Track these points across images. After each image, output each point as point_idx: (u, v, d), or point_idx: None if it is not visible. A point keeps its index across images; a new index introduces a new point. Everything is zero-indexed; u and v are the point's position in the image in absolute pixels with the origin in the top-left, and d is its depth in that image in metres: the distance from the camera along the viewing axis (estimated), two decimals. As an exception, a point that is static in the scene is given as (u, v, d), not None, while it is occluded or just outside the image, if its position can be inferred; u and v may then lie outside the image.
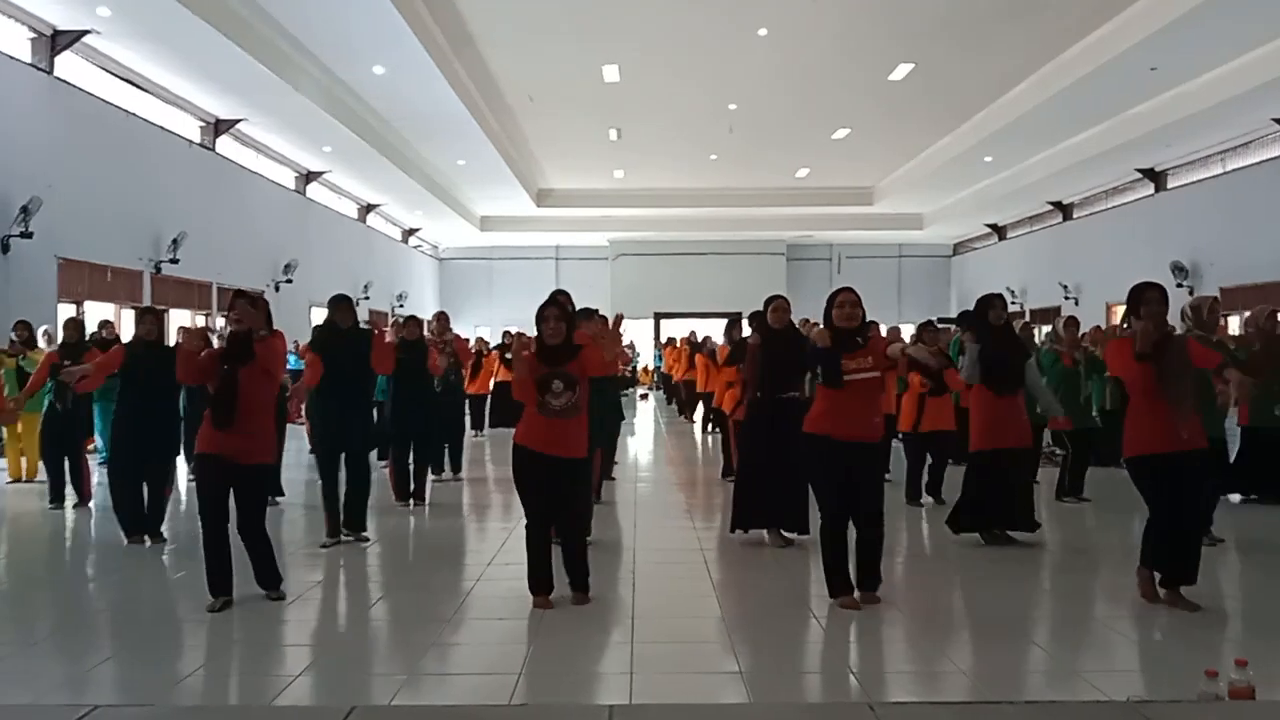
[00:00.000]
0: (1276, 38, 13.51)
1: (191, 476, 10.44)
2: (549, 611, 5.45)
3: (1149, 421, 5.34)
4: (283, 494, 9.28)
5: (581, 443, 5.69)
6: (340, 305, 7.53)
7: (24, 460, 10.78)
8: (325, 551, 7.13)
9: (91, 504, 9.16)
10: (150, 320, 7.58)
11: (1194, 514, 5.45)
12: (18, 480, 10.64)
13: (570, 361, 5.58)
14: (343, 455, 7.44)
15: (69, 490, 9.29)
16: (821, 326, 5.81)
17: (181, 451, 10.64)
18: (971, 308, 7.54)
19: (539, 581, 5.63)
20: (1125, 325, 5.66)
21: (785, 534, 7.21)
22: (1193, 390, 5.44)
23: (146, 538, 7.42)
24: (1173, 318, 5.63)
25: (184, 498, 9.66)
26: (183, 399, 10.70)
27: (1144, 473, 5.44)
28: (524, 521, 5.70)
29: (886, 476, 9.89)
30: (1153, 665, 4.73)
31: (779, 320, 7.13)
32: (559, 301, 5.73)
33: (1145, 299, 5.40)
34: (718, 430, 16.85)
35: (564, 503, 5.71)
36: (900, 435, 9.42)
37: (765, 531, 7.31)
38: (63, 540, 8.14)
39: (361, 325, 8.00)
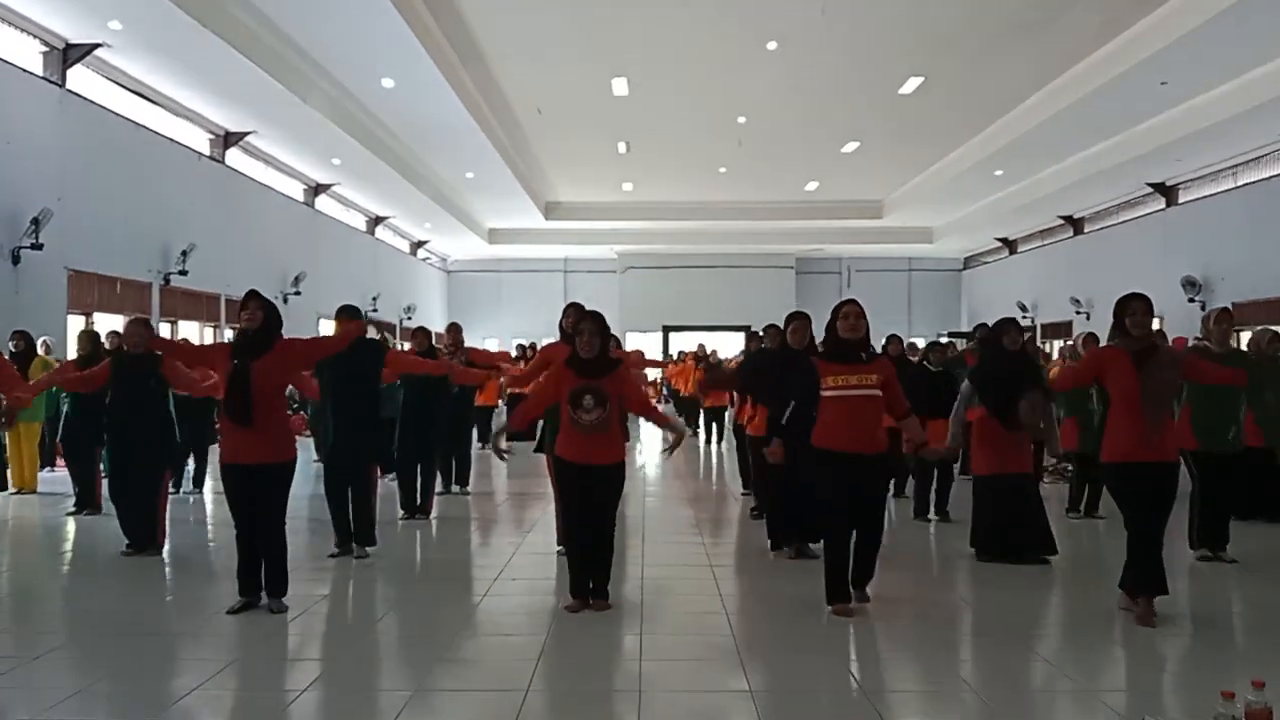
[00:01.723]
0: (1287, 52, 13.47)
1: (177, 488, 10.53)
2: (556, 628, 5.41)
3: (1125, 429, 5.46)
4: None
5: (616, 450, 5.79)
6: (341, 317, 7.50)
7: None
8: (331, 565, 7.10)
9: (103, 512, 9.20)
10: (135, 331, 7.57)
11: (1161, 523, 5.50)
12: (20, 490, 10.64)
13: (604, 377, 5.62)
14: (350, 468, 7.41)
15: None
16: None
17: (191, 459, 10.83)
18: (984, 321, 7.51)
19: (578, 585, 5.78)
20: (1113, 338, 5.73)
21: (812, 546, 7.17)
22: (1170, 402, 5.60)
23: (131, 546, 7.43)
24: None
25: (206, 507, 9.66)
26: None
27: (1119, 480, 5.57)
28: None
29: (905, 494, 9.92)
30: (1166, 685, 4.67)
31: (798, 341, 7.09)
32: (596, 316, 5.79)
33: (1131, 309, 5.54)
34: (706, 441, 16.90)
35: (599, 507, 5.78)
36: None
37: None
38: (66, 550, 8.11)
39: (370, 337, 7.98)
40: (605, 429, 5.64)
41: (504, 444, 6.15)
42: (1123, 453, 5.47)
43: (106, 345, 10.50)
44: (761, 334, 8.66)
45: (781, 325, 8.48)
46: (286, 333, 6.18)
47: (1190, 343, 8.79)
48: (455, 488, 10.70)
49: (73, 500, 9.42)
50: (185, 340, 9.53)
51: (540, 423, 8.39)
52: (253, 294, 5.85)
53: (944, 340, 11.14)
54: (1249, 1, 11.48)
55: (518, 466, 13.84)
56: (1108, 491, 5.77)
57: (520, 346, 19.58)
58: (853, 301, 5.83)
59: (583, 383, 5.60)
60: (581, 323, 5.72)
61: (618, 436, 5.81)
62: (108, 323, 14.10)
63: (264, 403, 5.64)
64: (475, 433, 14.70)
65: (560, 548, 7.09)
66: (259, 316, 5.75)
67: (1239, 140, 17.27)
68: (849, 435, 5.59)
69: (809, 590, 6.02)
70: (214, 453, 11.64)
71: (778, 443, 6.42)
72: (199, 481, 10.70)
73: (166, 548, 7.60)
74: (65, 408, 9.77)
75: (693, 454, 16.12)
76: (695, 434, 18.59)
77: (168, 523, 7.72)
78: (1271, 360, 7.99)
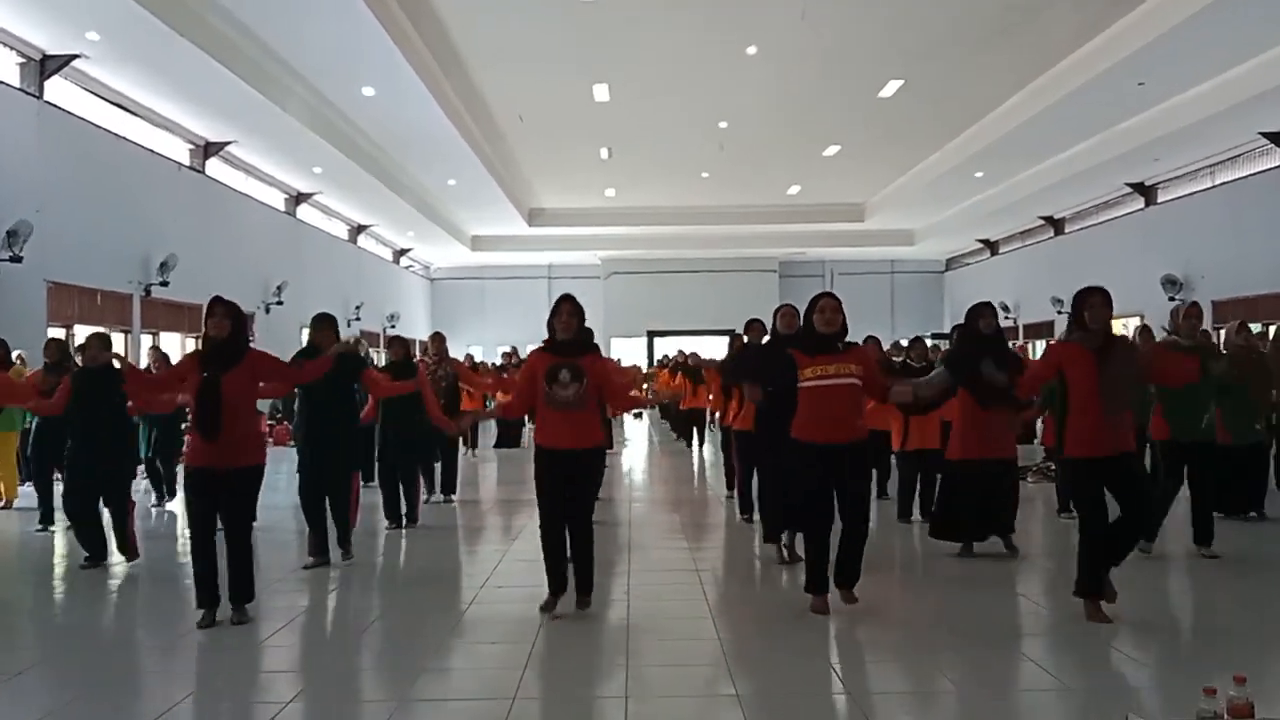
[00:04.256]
0: (1262, 52, 13.55)
1: (150, 499, 10.46)
2: (543, 635, 5.40)
3: (1084, 424, 5.48)
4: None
5: (595, 433, 5.79)
6: (321, 326, 7.46)
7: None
8: (314, 576, 7.06)
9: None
10: (95, 346, 7.53)
11: (1143, 512, 5.55)
12: None
13: (580, 356, 5.67)
14: (326, 478, 7.41)
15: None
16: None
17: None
18: (963, 321, 7.51)
19: (555, 580, 5.79)
20: (1073, 332, 5.74)
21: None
22: (1130, 397, 5.62)
23: (119, 558, 7.39)
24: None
25: (178, 518, 9.61)
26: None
27: (1079, 474, 5.60)
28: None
29: (888, 494, 9.94)
30: (1149, 682, 4.69)
31: (789, 326, 7.08)
32: (572, 297, 5.84)
33: (1089, 304, 5.55)
34: (688, 444, 16.93)
35: (576, 494, 5.79)
36: (894, 452, 9.39)
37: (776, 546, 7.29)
38: (36, 565, 8.02)
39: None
40: (582, 407, 5.65)
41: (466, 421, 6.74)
42: (1082, 448, 5.50)
43: (78, 360, 10.44)
44: (744, 333, 8.67)
45: (762, 321, 8.51)
46: (270, 342, 6.16)
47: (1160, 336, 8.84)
48: (441, 496, 10.68)
49: (38, 516, 9.32)
50: (154, 368, 9.49)
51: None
52: (218, 300, 5.79)
53: (929, 341, 11.20)
54: (1223, 3, 11.55)
55: (505, 474, 13.84)
56: (1072, 488, 5.81)
57: (506, 354, 19.57)
58: (829, 294, 5.83)
59: (558, 360, 5.65)
60: (560, 304, 5.77)
61: (596, 419, 5.80)
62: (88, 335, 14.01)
63: (233, 414, 5.60)
64: (461, 440, 14.67)
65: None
66: (226, 326, 5.70)
67: (1216, 140, 17.38)
68: (829, 425, 5.59)
69: (795, 595, 6.02)
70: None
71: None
72: (171, 491, 10.63)
73: (139, 560, 7.52)
74: (34, 422, 9.68)
75: (677, 458, 16.13)
76: (680, 439, 18.63)
77: (138, 535, 7.67)
78: (1247, 350, 8.07)
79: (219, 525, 5.72)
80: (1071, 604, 5.78)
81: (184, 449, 11.84)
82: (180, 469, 10.51)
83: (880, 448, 8.90)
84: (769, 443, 7.06)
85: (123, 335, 15.22)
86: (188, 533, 8.83)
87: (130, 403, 7.59)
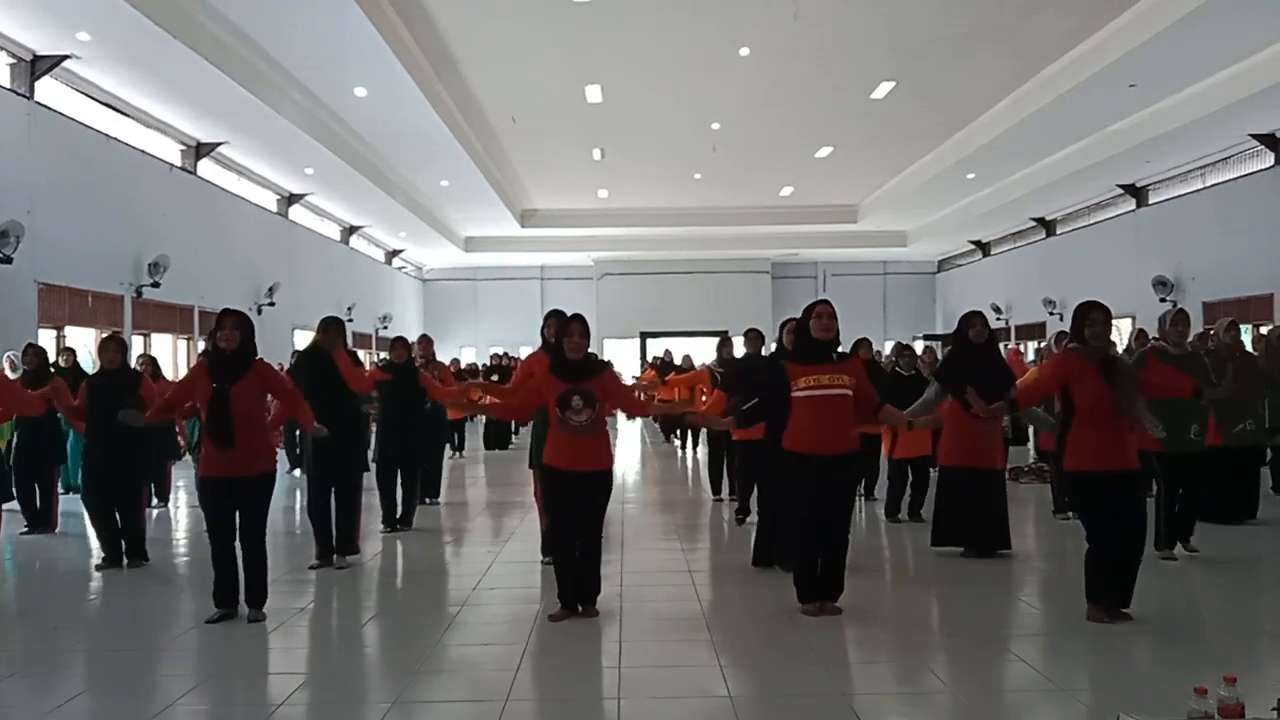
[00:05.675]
0: (1252, 55, 13.62)
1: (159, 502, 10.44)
2: (536, 636, 5.41)
3: (1092, 437, 5.42)
4: None
5: (606, 454, 5.80)
6: (328, 329, 7.47)
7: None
8: (309, 577, 7.09)
9: (57, 531, 9.20)
10: (112, 349, 7.52)
11: (1138, 536, 5.46)
12: None
13: (590, 379, 5.64)
14: (333, 479, 7.40)
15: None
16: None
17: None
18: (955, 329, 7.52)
19: (568, 594, 5.76)
20: (1071, 344, 5.71)
21: None
22: (1141, 408, 5.54)
23: (125, 562, 7.40)
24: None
25: (172, 521, 9.58)
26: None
27: (1085, 489, 5.53)
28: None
29: (875, 495, 9.96)
30: (1140, 682, 4.71)
31: (793, 343, 7.07)
32: (581, 318, 5.81)
33: (1090, 319, 5.50)
34: (681, 446, 16.95)
35: (589, 514, 5.79)
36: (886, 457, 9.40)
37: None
38: (33, 569, 8.01)
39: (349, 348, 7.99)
40: (594, 431, 5.65)
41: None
42: (1085, 461, 5.44)
43: (61, 363, 10.39)
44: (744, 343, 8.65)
45: (759, 330, 8.51)
46: (261, 344, 6.17)
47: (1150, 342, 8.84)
48: (426, 499, 10.62)
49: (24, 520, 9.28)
50: (163, 385, 9.49)
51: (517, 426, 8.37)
52: (228, 313, 5.83)
53: (920, 346, 11.20)
54: (1214, 5, 11.60)
55: (494, 476, 13.83)
56: (1073, 501, 5.79)
57: (495, 355, 19.55)
58: (825, 301, 5.83)
59: (570, 385, 5.61)
60: (570, 324, 5.74)
61: (606, 441, 5.81)
62: (79, 337, 13.99)
63: (244, 424, 5.64)
64: (449, 443, 14.68)
65: (545, 558, 7.07)
66: (236, 337, 5.73)
67: (1207, 141, 17.45)
68: (821, 436, 5.59)
69: (787, 596, 6.02)
70: (177, 467, 11.63)
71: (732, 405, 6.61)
72: (163, 495, 10.61)
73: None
74: (16, 431, 9.62)
75: (668, 460, 16.14)
76: (670, 441, 18.65)
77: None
78: (1232, 349, 8.08)
79: (234, 532, 5.80)
80: (1064, 603, 5.81)
81: (178, 458, 11.86)
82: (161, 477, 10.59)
83: (869, 451, 8.91)
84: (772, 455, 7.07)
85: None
86: (191, 537, 8.90)
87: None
